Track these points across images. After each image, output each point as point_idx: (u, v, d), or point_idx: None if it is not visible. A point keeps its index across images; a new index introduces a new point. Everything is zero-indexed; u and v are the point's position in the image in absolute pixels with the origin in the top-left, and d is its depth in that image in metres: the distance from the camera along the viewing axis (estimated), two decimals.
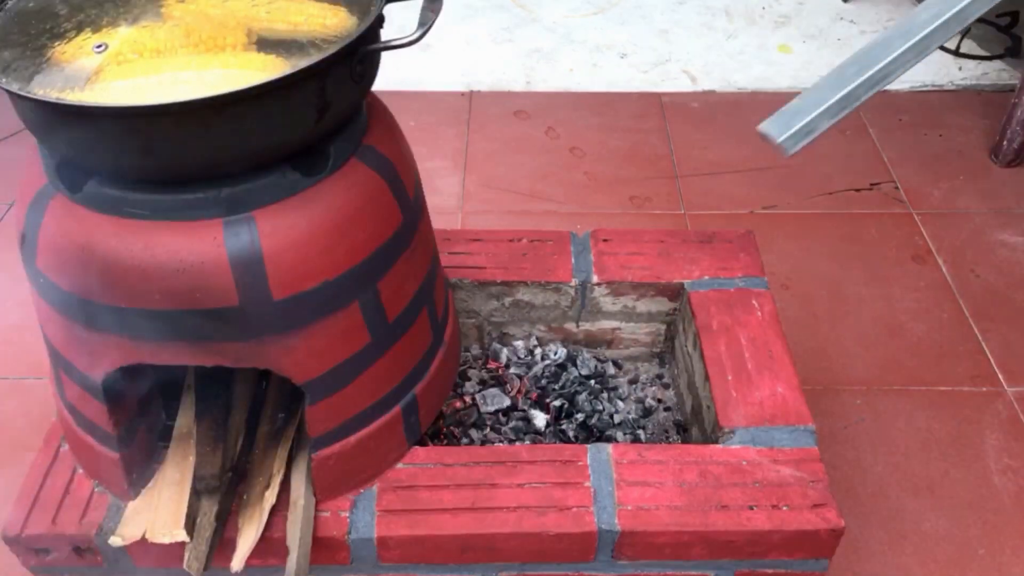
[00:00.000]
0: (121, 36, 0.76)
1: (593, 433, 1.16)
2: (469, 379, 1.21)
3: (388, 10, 0.82)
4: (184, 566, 0.85)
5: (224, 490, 0.91)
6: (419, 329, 0.96)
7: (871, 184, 1.97)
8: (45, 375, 0.96)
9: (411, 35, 0.77)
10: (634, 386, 1.25)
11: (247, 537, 0.88)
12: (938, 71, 2.25)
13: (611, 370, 1.26)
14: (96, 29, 0.77)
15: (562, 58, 2.43)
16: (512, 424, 1.16)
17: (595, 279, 1.19)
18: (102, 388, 0.85)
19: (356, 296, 0.85)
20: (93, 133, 0.72)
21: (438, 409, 1.05)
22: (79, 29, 0.77)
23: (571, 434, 1.14)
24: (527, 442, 1.14)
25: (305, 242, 0.80)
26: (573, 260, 1.22)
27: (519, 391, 1.21)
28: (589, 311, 1.23)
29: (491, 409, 1.17)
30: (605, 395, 1.21)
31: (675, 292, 1.20)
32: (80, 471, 0.97)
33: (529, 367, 1.24)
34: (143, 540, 0.85)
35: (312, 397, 0.87)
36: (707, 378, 1.07)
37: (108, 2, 0.80)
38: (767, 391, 1.04)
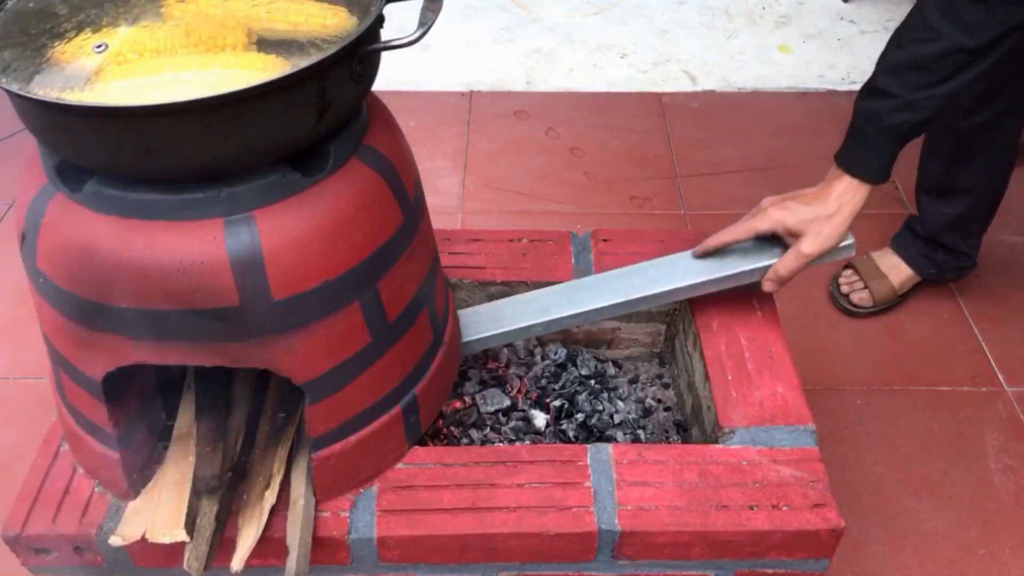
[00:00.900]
0: (121, 36, 0.76)
1: (593, 433, 1.16)
2: (469, 379, 1.21)
3: (388, 10, 0.82)
4: (184, 566, 0.85)
5: (224, 490, 0.91)
6: (419, 329, 0.96)
7: None
8: (45, 375, 0.96)
9: (411, 35, 0.77)
10: (634, 386, 1.25)
11: (247, 537, 0.88)
12: None
13: (611, 370, 1.26)
14: (96, 29, 0.77)
15: (562, 58, 2.43)
16: (512, 424, 1.15)
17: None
18: (102, 388, 0.85)
19: (356, 296, 0.85)
20: (93, 133, 0.72)
21: (438, 409, 1.05)
22: (79, 29, 0.77)
23: (571, 434, 1.14)
24: (527, 442, 1.14)
25: (305, 242, 0.80)
26: (573, 260, 1.22)
27: (519, 391, 1.21)
28: None
29: (491, 409, 1.17)
30: (605, 395, 1.21)
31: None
32: (80, 471, 0.97)
33: (529, 367, 1.24)
34: (143, 540, 0.85)
35: (312, 397, 0.87)
36: (707, 378, 1.07)
37: (108, 2, 0.80)
38: (767, 391, 1.04)
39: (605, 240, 1.24)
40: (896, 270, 1.64)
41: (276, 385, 1.02)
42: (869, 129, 1.02)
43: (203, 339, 0.81)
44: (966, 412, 1.48)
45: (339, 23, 0.78)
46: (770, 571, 0.96)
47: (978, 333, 1.62)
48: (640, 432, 1.17)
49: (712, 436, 1.03)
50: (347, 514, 0.93)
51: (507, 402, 1.18)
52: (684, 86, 2.33)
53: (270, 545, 0.90)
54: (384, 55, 0.85)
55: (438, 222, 1.05)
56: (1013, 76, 1.36)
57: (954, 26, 0.97)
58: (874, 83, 1.02)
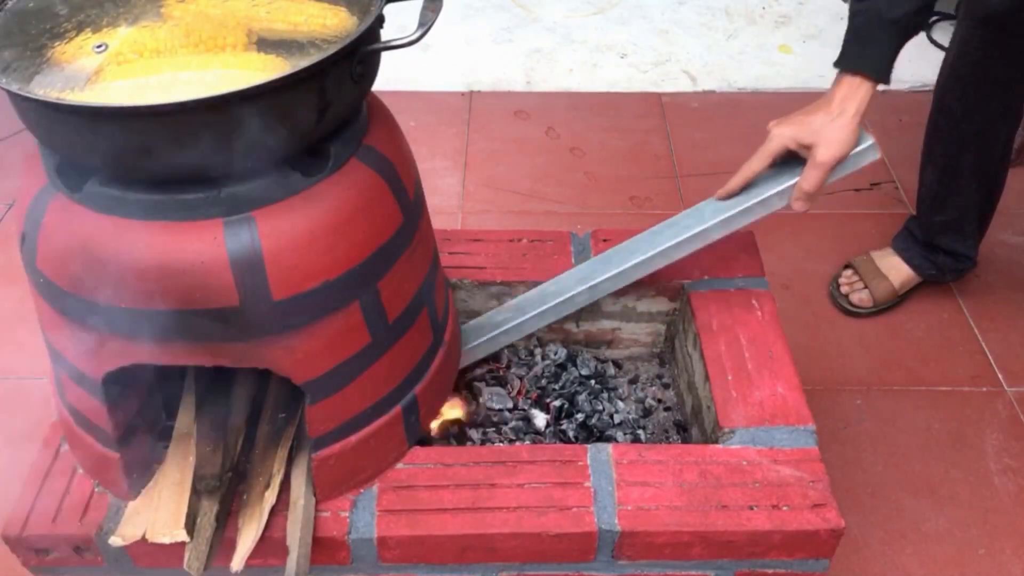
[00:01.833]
0: (121, 36, 0.76)
1: (593, 433, 1.16)
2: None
3: (388, 10, 0.82)
4: (184, 566, 0.85)
5: (224, 490, 0.91)
6: (419, 329, 0.95)
7: (871, 184, 1.97)
8: (45, 375, 0.96)
9: (411, 35, 0.77)
10: (634, 386, 1.25)
11: (247, 537, 0.88)
12: (938, 71, 2.24)
13: (611, 370, 1.26)
14: (96, 29, 0.77)
15: (562, 58, 2.43)
16: (512, 424, 1.16)
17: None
18: (102, 388, 0.85)
19: (356, 296, 0.85)
20: (93, 133, 0.72)
21: (438, 409, 1.05)
22: (79, 29, 0.77)
23: (571, 434, 1.14)
24: (527, 442, 1.14)
25: (305, 242, 0.80)
26: (573, 260, 1.22)
27: (519, 391, 1.21)
28: (589, 311, 1.23)
29: (497, 407, 1.17)
30: (605, 395, 1.21)
31: (675, 292, 1.20)
32: (80, 471, 0.97)
33: (529, 367, 1.24)
34: (143, 540, 0.85)
35: (312, 397, 0.87)
36: (707, 378, 1.07)
37: (108, 2, 0.80)
38: (767, 391, 1.04)
39: (605, 240, 1.24)
40: (896, 270, 1.64)
41: (276, 385, 1.02)
42: (869, 27, 1.03)
43: (203, 339, 0.81)
44: (966, 412, 1.48)
45: (339, 23, 0.78)
46: (770, 571, 0.96)
47: (978, 333, 1.62)
48: (640, 432, 1.17)
49: (712, 436, 1.03)
50: (347, 514, 0.93)
51: (508, 402, 1.18)
52: (684, 86, 2.33)
53: (270, 545, 0.90)
54: (384, 55, 0.85)
55: (438, 222, 1.05)
56: (1006, 82, 1.36)
57: None
58: None
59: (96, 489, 0.95)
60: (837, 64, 1.06)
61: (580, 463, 0.97)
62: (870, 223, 1.85)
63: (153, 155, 0.72)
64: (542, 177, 2.00)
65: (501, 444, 1.12)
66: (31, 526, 0.92)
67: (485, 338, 1.15)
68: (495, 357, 1.24)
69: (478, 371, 1.23)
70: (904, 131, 2.12)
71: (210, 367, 0.84)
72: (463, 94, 2.28)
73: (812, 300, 1.69)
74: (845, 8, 2.46)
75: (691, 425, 1.15)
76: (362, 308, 0.86)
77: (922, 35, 2.45)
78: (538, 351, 1.26)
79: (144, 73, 0.73)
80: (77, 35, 0.76)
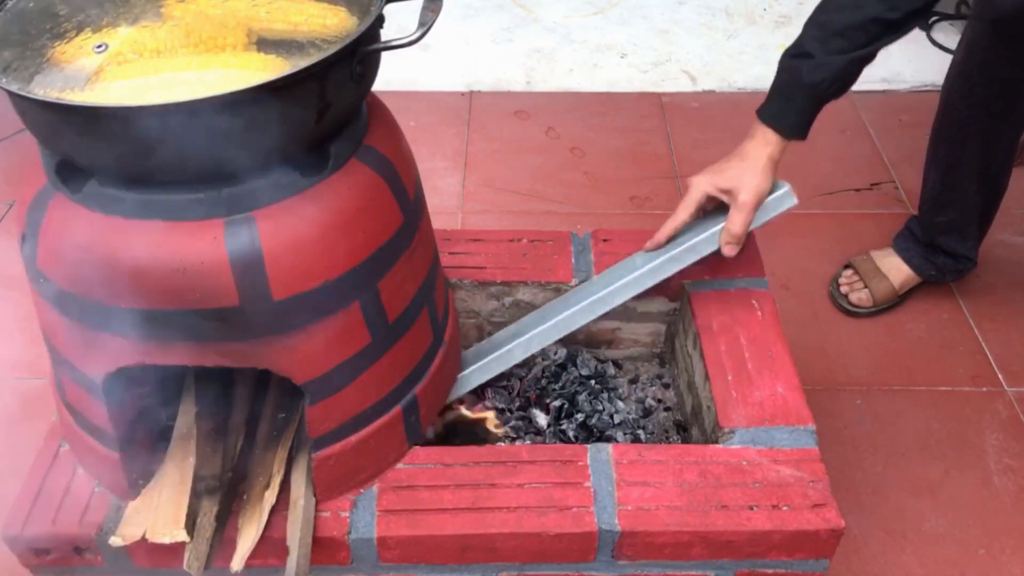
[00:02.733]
0: (121, 36, 0.76)
1: (593, 433, 1.16)
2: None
3: (388, 10, 0.82)
4: (184, 566, 0.85)
5: (224, 490, 0.91)
6: (419, 329, 0.95)
7: (871, 184, 1.97)
8: (45, 375, 0.96)
9: (411, 35, 0.77)
10: (634, 386, 1.25)
11: (247, 537, 0.88)
12: (938, 71, 2.25)
13: (611, 370, 1.26)
14: (96, 29, 0.77)
15: (562, 58, 2.43)
16: (512, 424, 1.15)
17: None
18: (102, 388, 0.85)
19: (356, 296, 0.85)
20: (93, 133, 0.72)
21: (438, 409, 1.05)
22: (79, 29, 0.77)
23: (571, 434, 1.14)
24: (527, 442, 1.14)
25: (305, 242, 0.80)
26: (573, 260, 1.22)
27: (519, 391, 1.21)
28: None
29: (500, 406, 1.17)
30: (605, 395, 1.21)
31: (675, 292, 1.20)
32: (80, 471, 0.97)
33: (529, 367, 1.24)
34: (143, 540, 0.85)
35: (312, 397, 0.87)
36: (707, 378, 1.07)
37: (108, 2, 0.80)
38: (767, 391, 1.04)
39: (605, 240, 1.24)
40: (896, 270, 1.64)
41: (276, 385, 1.02)
42: (791, 85, 1.07)
43: (203, 339, 0.81)
44: (966, 412, 1.48)
45: (339, 23, 0.78)
46: (770, 571, 0.96)
47: (978, 333, 1.62)
48: (640, 432, 1.17)
49: (712, 436, 1.03)
50: (347, 514, 0.93)
51: (509, 403, 1.18)
52: (684, 86, 2.33)
53: (270, 545, 0.90)
54: (384, 55, 0.85)
55: (438, 222, 1.05)
56: (1013, 83, 1.36)
57: (875, 0, 1.03)
58: (799, 43, 1.07)
59: (96, 489, 0.95)
60: (758, 112, 1.11)
61: (580, 463, 0.97)
62: (870, 223, 1.85)
63: (153, 155, 0.72)
64: (542, 177, 2.00)
65: (501, 444, 1.12)
66: (31, 526, 0.92)
67: None
68: None
69: None
70: (904, 131, 2.12)
71: (210, 367, 0.84)
72: (463, 94, 2.28)
73: (812, 300, 1.69)
74: None
75: (691, 425, 1.15)
76: (362, 308, 0.86)
77: (922, 35, 2.45)
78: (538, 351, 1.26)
79: (144, 73, 0.73)
80: (77, 35, 0.76)
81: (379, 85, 0.87)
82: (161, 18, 0.78)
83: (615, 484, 0.95)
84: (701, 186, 1.09)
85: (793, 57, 1.07)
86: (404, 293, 0.91)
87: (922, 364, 1.56)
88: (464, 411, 1.11)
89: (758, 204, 1.07)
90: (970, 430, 1.45)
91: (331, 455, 0.91)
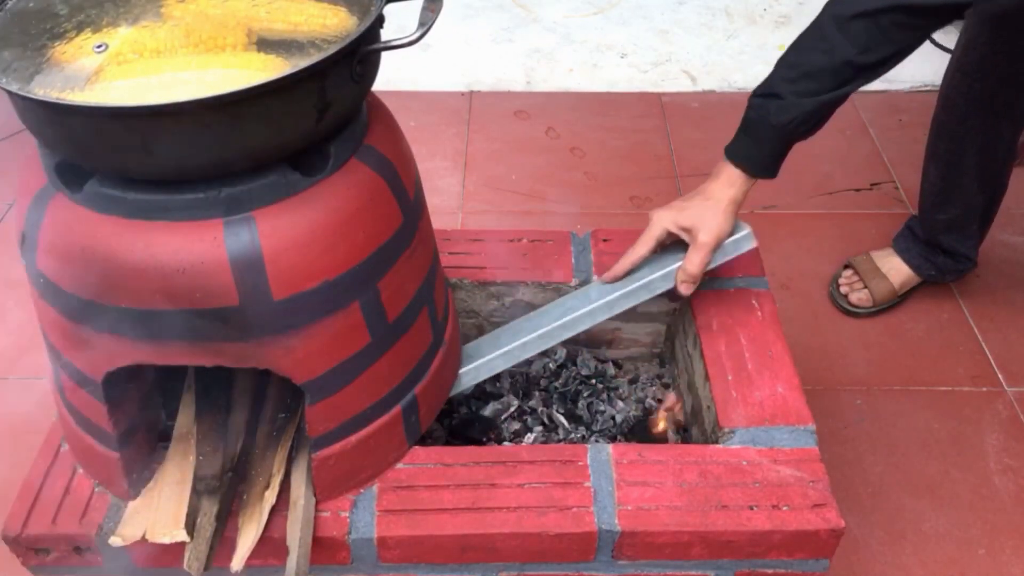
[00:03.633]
0: (121, 36, 0.76)
1: (593, 433, 1.16)
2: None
3: (388, 10, 0.82)
4: (184, 566, 0.85)
5: (224, 490, 0.91)
6: (419, 329, 0.95)
7: (871, 184, 1.97)
8: (45, 375, 0.96)
9: (411, 35, 0.77)
10: (634, 386, 1.25)
11: (247, 537, 0.88)
12: (938, 71, 2.25)
13: (611, 370, 1.26)
14: (96, 29, 0.77)
15: (562, 58, 2.43)
16: (512, 424, 1.16)
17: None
18: (102, 388, 0.85)
19: (356, 296, 0.85)
20: (93, 133, 0.72)
21: (438, 409, 1.05)
22: (79, 29, 0.77)
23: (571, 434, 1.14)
24: (527, 442, 1.14)
25: (305, 242, 0.80)
26: (573, 260, 1.22)
27: (519, 391, 1.21)
28: None
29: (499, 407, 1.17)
30: (605, 395, 1.21)
31: (675, 292, 1.20)
32: (80, 471, 0.97)
33: (529, 367, 1.24)
34: (143, 540, 0.85)
35: (312, 397, 0.87)
36: (707, 378, 1.07)
37: (108, 2, 0.80)
38: (767, 391, 1.04)
39: (605, 240, 1.24)
40: (896, 271, 1.64)
41: (276, 385, 1.02)
42: (759, 124, 1.06)
43: (203, 339, 0.81)
44: (966, 412, 1.48)
45: (339, 23, 0.78)
46: (770, 571, 0.96)
47: (978, 333, 1.62)
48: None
49: (712, 436, 1.03)
50: (347, 514, 0.93)
51: (510, 403, 1.18)
52: (684, 86, 2.33)
53: (270, 545, 0.90)
54: (384, 55, 0.85)
55: (438, 222, 1.05)
56: (1012, 79, 1.36)
57: (847, 43, 1.01)
58: (769, 83, 1.06)
59: (96, 489, 0.95)
60: (726, 150, 1.09)
61: (580, 463, 0.97)
62: (870, 223, 1.85)
63: (153, 155, 0.72)
64: (542, 177, 2.00)
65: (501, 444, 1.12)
66: (31, 526, 0.92)
67: None
68: None
69: None
70: (904, 131, 2.12)
71: (210, 367, 0.84)
72: (463, 94, 2.28)
73: (812, 300, 1.69)
74: None
75: (691, 425, 1.15)
76: (362, 308, 0.86)
77: None
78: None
79: (144, 73, 0.73)
80: (77, 35, 0.76)
81: (379, 85, 0.87)
82: (161, 18, 0.78)
83: (615, 484, 0.95)
84: (662, 222, 1.09)
85: (761, 96, 1.06)
86: (404, 293, 0.91)
87: (922, 364, 1.56)
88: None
89: (717, 245, 1.06)
90: (970, 430, 1.45)
91: (331, 455, 0.91)
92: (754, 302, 1.15)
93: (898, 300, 1.65)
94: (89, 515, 0.93)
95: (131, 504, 0.90)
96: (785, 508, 0.92)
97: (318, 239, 0.80)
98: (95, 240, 0.77)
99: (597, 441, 1.15)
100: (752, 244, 1.10)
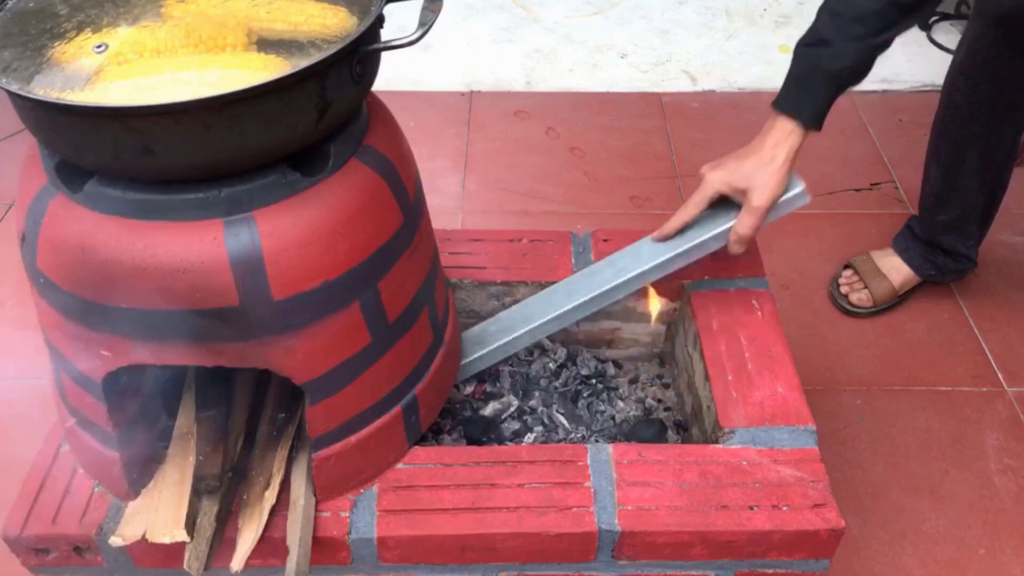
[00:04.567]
0: (121, 36, 0.76)
1: (593, 433, 1.16)
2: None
3: (388, 10, 0.82)
4: (184, 566, 0.85)
5: (224, 490, 0.91)
6: (419, 329, 0.95)
7: (871, 184, 1.97)
8: (45, 375, 0.96)
9: (411, 35, 0.77)
10: (634, 386, 1.25)
11: (247, 537, 0.88)
12: (938, 71, 2.25)
13: (611, 370, 1.26)
14: (96, 29, 0.77)
15: (562, 58, 2.43)
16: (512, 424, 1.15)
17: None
18: (102, 388, 0.85)
19: (356, 296, 0.85)
20: (93, 133, 0.72)
21: (438, 409, 1.05)
22: (79, 29, 0.77)
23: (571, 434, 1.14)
24: (533, 435, 1.14)
25: (305, 242, 0.80)
26: (573, 260, 1.22)
27: (520, 391, 1.21)
28: None
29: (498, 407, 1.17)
30: (605, 395, 1.21)
31: (675, 292, 1.20)
32: (80, 471, 0.97)
33: (529, 367, 1.24)
34: (143, 540, 0.85)
35: (312, 397, 0.87)
36: (707, 378, 1.07)
37: (108, 2, 0.80)
38: (767, 391, 1.04)
39: (605, 240, 1.24)
40: (896, 270, 1.64)
41: (276, 385, 1.02)
42: (810, 74, 1.06)
43: (203, 339, 0.81)
44: (966, 412, 1.48)
45: (339, 23, 0.78)
46: (770, 571, 0.96)
47: (978, 333, 1.62)
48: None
49: (712, 436, 1.03)
50: (347, 514, 0.93)
51: (510, 403, 1.18)
52: (684, 86, 2.33)
53: (270, 545, 0.90)
54: (384, 55, 0.85)
55: (438, 222, 1.05)
56: (1014, 81, 1.36)
57: None
58: (815, 31, 1.06)
59: (96, 489, 0.95)
60: (775, 104, 1.09)
61: (580, 463, 0.97)
62: (870, 223, 1.85)
63: (153, 155, 0.72)
64: (542, 177, 2.00)
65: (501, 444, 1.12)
66: (31, 526, 0.92)
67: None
68: None
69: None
70: (904, 131, 2.12)
71: (210, 367, 0.84)
72: (463, 94, 2.28)
73: (812, 300, 1.69)
74: None
75: (691, 425, 1.15)
76: (362, 308, 0.86)
77: (922, 35, 2.45)
78: (537, 351, 1.26)
79: (144, 73, 0.73)
80: (77, 35, 0.76)
81: (379, 85, 0.87)
82: (161, 18, 0.78)
83: (615, 484, 0.95)
84: (715, 183, 1.08)
85: (809, 46, 1.06)
86: (404, 293, 0.91)
87: (922, 364, 1.56)
88: None
89: (771, 207, 1.06)
90: (970, 430, 1.45)
91: (331, 455, 0.91)
92: (754, 302, 1.15)
93: (898, 300, 1.65)
94: (89, 515, 0.93)
95: (131, 504, 0.90)
96: (785, 508, 0.92)
97: (318, 239, 0.80)
98: (95, 240, 0.77)
99: (597, 441, 1.15)
100: (806, 200, 1.09)
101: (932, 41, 2.42)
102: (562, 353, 1.25)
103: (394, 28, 0.84)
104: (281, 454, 0.95)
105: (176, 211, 0.76)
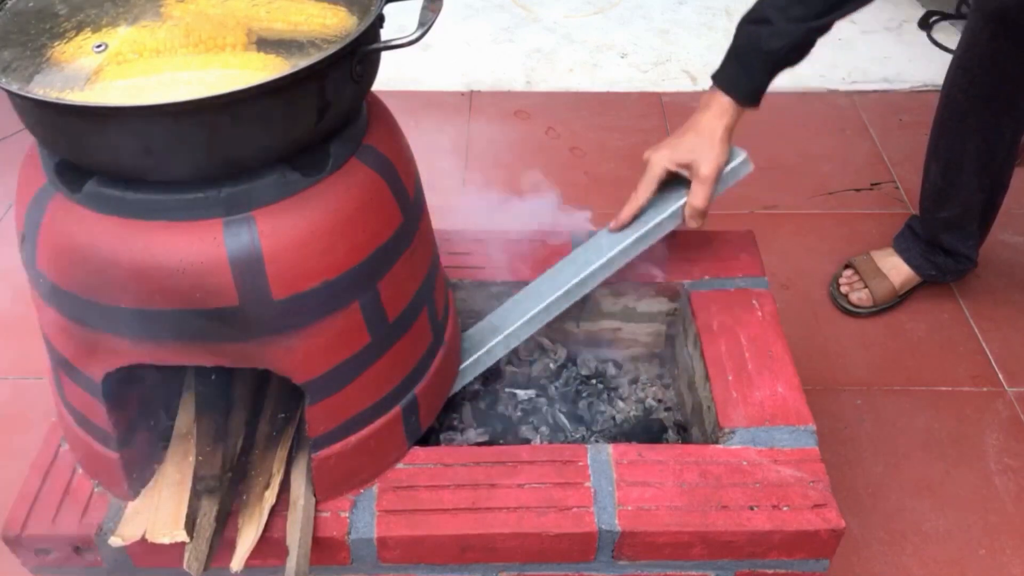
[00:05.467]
0: (121, 36, 0.76)
1: (593, 433, 1.16)
2: None
3: (388, 10, 0.82)
4: (184, 566, 0.85)
5: (224, 490, 0.91)
6: (419, 329, 0.95)
7: (871, 184, 1.97)
8: (45, 375, 0.96)
9: (411, 35, 0.77)
10: (634, 386, 1.25)
11: (247, 537, 0.88)
12: (939, 71, 2.25)
13: (611, 370, 1.26)
14: (96, 29, 0.77)
15: (562, 58, 2.43)
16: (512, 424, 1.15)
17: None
18: (102, 388, 0.85)
19: (356, 296, 0.85)
20: (92, 133, 0.72)
21: (438, 409, 1.05)
22: (79, 29, 0.77)
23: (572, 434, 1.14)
24: (540, 435, 1.14)
25: (305, 242, 0.80)
26: None
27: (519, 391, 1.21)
28: (589, 311, 1.23)
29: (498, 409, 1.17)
30: (605, 395, 1.21)
31: (675, 292, 1.20)
32: (80, 471, 0.97)
33: (530, 367, 1.24)
34: (143, 540, 0.85)
35: (312, 397, 0.87)
36: (707, 378, 1.07)
37: (108, 2, 0.80)
38: (767, 391, 1.04)
39: None
40: (896, 270, 1.64)
41: (276, 385, 1.02)
42: (748, 51, 1.07)
43: (203, 339, 0.81)
44: (966, 412, 1.48)
45: (339, 23, 0.78)
46: (770, 571, 0.96)
47: (978, 333, 1.62)
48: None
49: (712, 436, 1.03)
50: (347, 514, 0.93)
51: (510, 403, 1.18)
52: (684, 86, 2.33)
53: (270, 545, 0.90)
54: (384, 55, 0.85)
55: (438, 222, 1.05)
56: (1013, 77, 1.36)
57: None
58: (758, 9, 1.06)
59: (96, 489, 0.95)
60: (714, 77, 1.10)
61: (580, 463, 0.97)
62: (870, 223, 1.85)
63: (153, 155, 0.72)
64: (542, 177, 2.00)
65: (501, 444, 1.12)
66: (31, 526, 0.92)
67: None
68: None
69: None
70: (904, 131, 2.12)
71: (210, 367, 0.83)
72: (463, 94, 2.28)
73: (812, 300, 1.69)
74: None
75: (691, 425, 1.15)
76: (362, 308, 0.86)
77: (922, 35, 2.45)
78: (537, 351, 1.26)
79: (144, 73, 0.72)
80: (77, 35, 0.76)
81: (379, 85, 0.87)
82: (161, 18, 0.78)
83: (615, 484, 0.95)
84: (661, 162, 1.09)
85: (751, 23, 1.06)
86: (404, 293, 0.91)
87: (922, 364, 1.56)
88: None
89: (718, 176, 1.07)
90: (970, 430, 1.45)
91: (331, 455, 0.91)
92: (754, 302, 1.15)
93: (898, 300, 1.65)
94: (89, 515, 0.93)
95: (131, 504, 0.90)
96: (785, 508, 0.92)
97: (318, 239, 0.80)
98: (95, 240, 0.77)
99: (597, 441, 1.15)
100: (750, 168, 1.10)
101: (932, 41, 2.42)
102: (562, 353, 1.25)
103: (394, 28, 0.83)
104: (281, 454, 0.95)
105: (176, 211, 0.76)
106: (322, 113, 0.77)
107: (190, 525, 0.86)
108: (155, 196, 0.76)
